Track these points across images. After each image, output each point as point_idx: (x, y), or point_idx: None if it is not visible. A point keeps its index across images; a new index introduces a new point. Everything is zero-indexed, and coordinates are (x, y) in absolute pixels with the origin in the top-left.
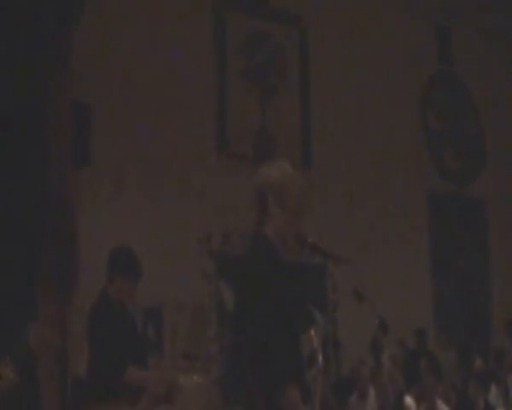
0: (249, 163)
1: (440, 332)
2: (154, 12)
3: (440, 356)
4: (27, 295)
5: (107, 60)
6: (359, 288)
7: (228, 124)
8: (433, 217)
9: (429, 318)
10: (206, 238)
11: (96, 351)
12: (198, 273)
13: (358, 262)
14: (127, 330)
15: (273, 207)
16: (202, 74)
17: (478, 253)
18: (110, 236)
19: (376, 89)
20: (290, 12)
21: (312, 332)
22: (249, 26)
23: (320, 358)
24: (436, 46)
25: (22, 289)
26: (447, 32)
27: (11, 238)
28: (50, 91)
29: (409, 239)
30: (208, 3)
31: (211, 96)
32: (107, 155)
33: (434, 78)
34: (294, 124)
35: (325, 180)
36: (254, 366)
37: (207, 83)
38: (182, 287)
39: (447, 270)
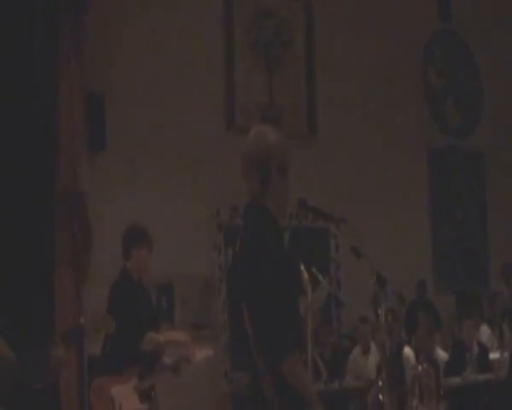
0: None
1: (440, 281)
2: None
3: (440, 305)
4: (43, 275)
5: (119, 45)
6: (358, 245)
7: (236, 98)
8: (432, 170)
9: (429, 268)
10: (216, 212)
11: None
12: (208, 246)
13: (360, 219)
14: (144, 303)
15: (275, 172)
16: (210, 51)
17: (476, 203)
18: (123, 216)
19: (379, 53)
20: None
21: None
22: (255, 0)
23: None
24: (436, 4)
25: (37, 270)
26: None
27: (26, 222)
28: (64, 79)
29: (409, 192)
30: None
31: (219, 72)
32: (120, 140)
33: (435, 35)
34: (300, 95)
35: (329, 145)
36: (255, 333)
37: (215, 59)
38: (192, 260)
39: (446, 221)
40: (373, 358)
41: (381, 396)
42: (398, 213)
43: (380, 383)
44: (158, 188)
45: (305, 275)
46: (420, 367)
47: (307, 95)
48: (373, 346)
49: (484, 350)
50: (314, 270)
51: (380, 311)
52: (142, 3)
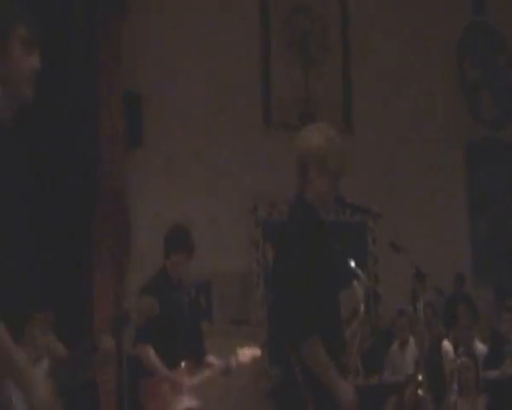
0: (295, 132)
1: (478, 274)
2: None
3: (478, 298)
4: (82, 276)
5: (157, 46)
6: (396, 240)
7: (272, 95)
8: (469, 163)
9: (467, 261)
10: (254, 208)
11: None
12: (245, 243)
13: (397, 212)
14: (181, 302)
15: (313, 170)
16: (247, 49)
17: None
18: (160, 214)
19: (414, 47)
20: None
21: (355, 283)
22: None
23: (361, 311)
24: None
25: (77, 269)
26: None
27: (65, 221)
28: (104, 80)
29: (446, 186)
30: None
31: (256, 69)
32: (157, 138)
33: (469, 28)
34: (337, 90)
35: (365, 140)
36: (282, 324)
37: (252, 57)
38: (230, 257)
39: (484, 213)
40: (411, 352)
41: (420, 391)
42: (436, 206)
43: (419, 377)
44: (195, 185)
45: (359, 291)
46: (459, 361)
47: (343, 90)
48: (411, 340)
49: None
50: (353, 264)
51: (418, 305)
52: (180, 3)
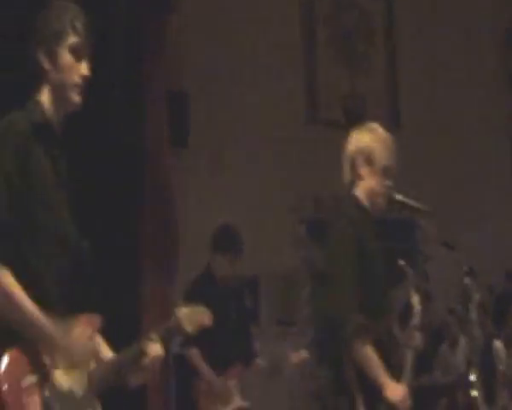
0: (340, 129)
1: None
2: None
3: None
4: (130, 278)
5: (203, 44)
6: (446, 238)
7: (317, 91)
8: None
9: None
10: (299, 205)
11: None
12: (291, 240)
13: (447, 210)
14: (227, 303)
15: (363, 169)
16: (292, 45)
17: None
18: (208, 214)
19: (460, 41)
20: None
21: (407, 283)
22: None
23: (417, 314)
24: None
25: (125, 272)
26: None
27: (112, 223)
28: (150, 79)
29: (494, 182)
30: None
31: (300, 65)
32: (203, 139)
33: None
34: (383, 86)
35: (413, 136)
36: (330, 323)
37: (297, 54)
38: (276, 256)
39: None
40: (461, 352)
41: (475, 392)
42: (485, 202)
43: (471, 378)
44: (240, 184)
45: (412, 291)
46: (510, 361)
47: (389, 86)
48: (462, 340)
49: None
50: (402, 263)
51: (470, 304)
52: (226, 1)
